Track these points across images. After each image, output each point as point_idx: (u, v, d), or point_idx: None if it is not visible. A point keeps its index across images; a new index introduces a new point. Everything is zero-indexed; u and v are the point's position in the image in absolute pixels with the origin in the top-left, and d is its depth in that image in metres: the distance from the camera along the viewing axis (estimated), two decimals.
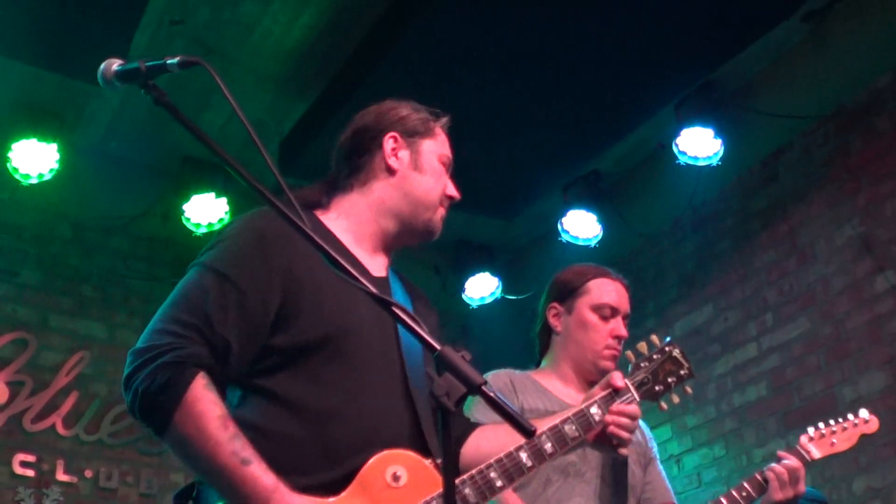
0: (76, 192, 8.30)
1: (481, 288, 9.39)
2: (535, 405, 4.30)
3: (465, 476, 3.05)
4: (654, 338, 3.62)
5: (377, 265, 3.35)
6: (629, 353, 3.54)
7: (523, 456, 3.16)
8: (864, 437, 4.71)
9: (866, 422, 4.72)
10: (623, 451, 3.42)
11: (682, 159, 7.94)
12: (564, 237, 8.66)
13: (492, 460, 3.11)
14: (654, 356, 3.57)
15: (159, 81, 2.80)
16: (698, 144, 7.91)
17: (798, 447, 4.50)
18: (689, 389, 3.58)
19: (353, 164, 3.45)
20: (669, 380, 3.54)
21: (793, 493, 4.32)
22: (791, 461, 4.38)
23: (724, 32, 7.12)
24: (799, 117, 7.88)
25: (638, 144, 8.53)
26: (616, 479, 4.36)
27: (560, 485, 4.24)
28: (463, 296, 9.34)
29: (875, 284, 7.41)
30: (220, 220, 8.18)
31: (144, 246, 8.82)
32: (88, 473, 8.22)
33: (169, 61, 2.77)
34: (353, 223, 3.35)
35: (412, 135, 3.45)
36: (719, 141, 7.88)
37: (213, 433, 2.80)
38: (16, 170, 7.77)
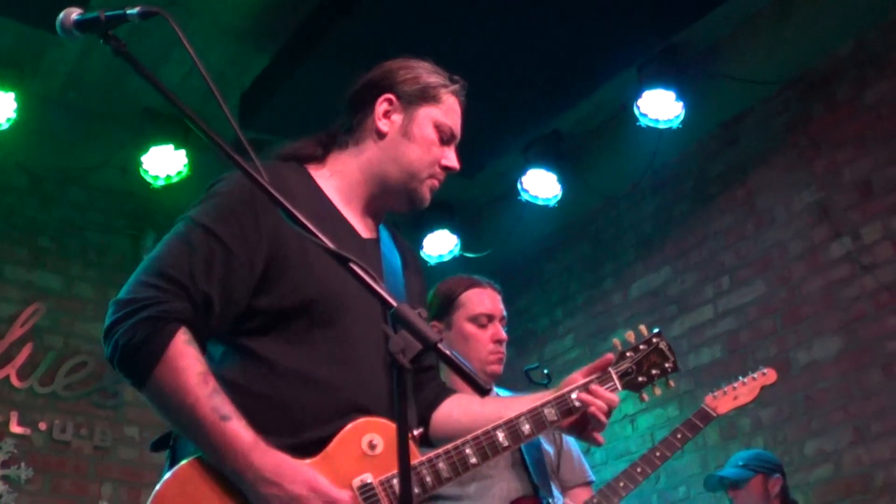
0: (34, 143, 8.22)
1: (439, 245, 9.38)
2: None
3: (440, 450, 3.05)
4: (643, 328, 3.57)
5: (367, 226, 3.34)
6: (616, 340, 3.51)
7: (500, 435, 3.15)
8: (765, 388, 4.95)
9: (765, 374, 4.96)
10: (599, 437, 3.38)
11: (642, 121, 7.94)
12: (524, 196, 8.66)
13: (468, 437, 3.10)
14: (641, 346, 3.51)
15: (119, 32, 2.78)
16: (659, 107, 7.91)
17: (704, 406, 4.78)
18: (672, 383, 3.56)
19: (351, 119, 3.40)
20: (653, 372, 3.49)
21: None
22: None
23: None
24: (761, 83, 7.90)
25: (600, 105, 8.53)
26: (526, 459, 4.46)
27: (477, 480, 4.32)
28: (421, 253, 9.33)
29: (831, 250, 7.46)
30: (179, 172, 8.13)
31: (102, 197, 8.75)
32: (42, 426, 8.18)
33: (129, 11, 2.75)
34: (344, 183, 3.32)
35: (411, 99, 3.37)
36: (680, 104, 7.89)
37: (193, 389, 2.81)
38: None
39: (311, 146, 3.41)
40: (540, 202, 8.71)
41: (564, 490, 4.64)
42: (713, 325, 8.22)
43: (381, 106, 3.37)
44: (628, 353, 3.51)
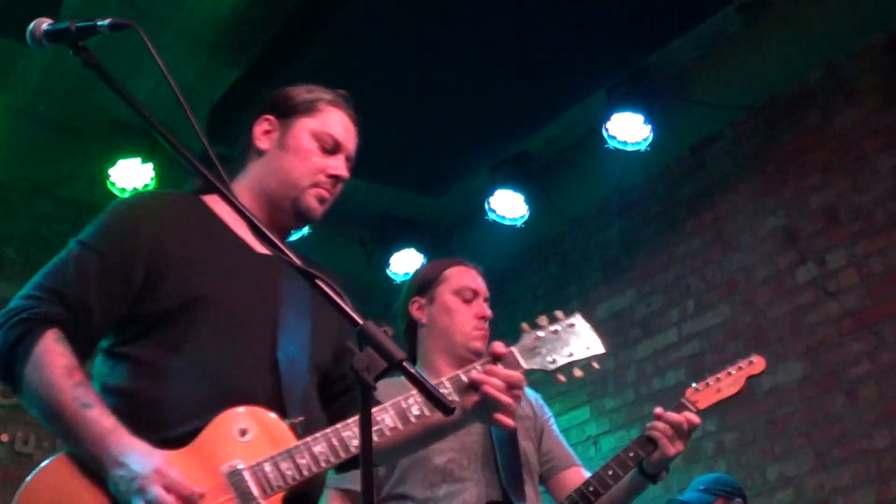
0: (1, 153, 8.18)
1: (406, 264, 9.38)
2: None
3: (317, 434, 3.01)
4: (559, 313, 3.51)
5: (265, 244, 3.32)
6: (524, 324, 3.43)
7: (387, 418, 3.11)
8: (751, 378, 4.62)
9: (752, 363, 4.62)
10: (505, 419, 3.21)
11: (611, 144, 7.96)
12: (491, 216, 8.67)
13: (349, 420, 3.05)
14: (554, 328, 3.44)
15: (89, 43, 2.78)
16: (628, 130, 7.93)
17: (683, 400, 4.46)
18: (595, 365, 3.46)
19: (240, 148, 3.47)
20: (569, 352, 3.41)
21: (683, 445, 4.34)
22: (672, 415, 4.35)
23: (660, 20, 7.14)
24: (729, 107, 7.93)
25: (568, 127, 8.54)
26: (505, 459, 4.35)
27: (447, 484, 4.22)
28: (388, 271, 9.34)
29: (797, 276, 7.49)
30: (146, 185, 8.10)
31: (69, 209, 8.73)
32: (5, 437, 8.14)
33: (100, 23, 2.75)
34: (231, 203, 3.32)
35: (287, 114, 3.40)
36: (649, 127, 7.91)
37: (57, 381, 2.85)
38: None
39: (205, 179, 3.44)
40: (507, 222, 8.72)
41: (554, 475, 4.56)
42: (678, 348, 8.24)
43: (259, 126, 3.42)
44: (538, 334, 3.43)
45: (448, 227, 9.84)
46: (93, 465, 2.82)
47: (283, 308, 3.22)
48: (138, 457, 2.78)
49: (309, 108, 3.43)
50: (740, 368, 4.59)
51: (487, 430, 4.38)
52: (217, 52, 7.77)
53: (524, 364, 3.35)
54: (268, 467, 2.91)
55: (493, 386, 3.18)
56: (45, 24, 2.82)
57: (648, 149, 7.98)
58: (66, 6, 6.77)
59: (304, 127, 3.38)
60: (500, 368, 3.24)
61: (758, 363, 4.62)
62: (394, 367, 2.44)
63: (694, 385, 4.54)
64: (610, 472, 4.28)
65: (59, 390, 2.84)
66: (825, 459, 7.02)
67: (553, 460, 4.57)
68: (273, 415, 3.00)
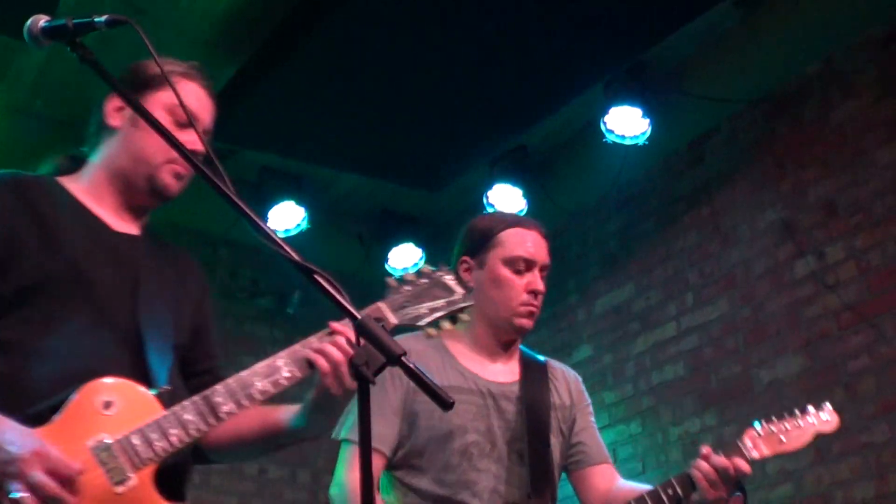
0: None
1: (404, 259, 9.37)
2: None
3: (185, 402, 2.96)
4: (425, 268, 3.38)
5: (124, 222, 3.30)
6: (390, 279, 3.29)
7: (257, 382, 3.02)
8: (819, 436, 4.19)
9: (826, 420, 4.20)
10: (333, 386, 3.02)
11: (609, 138, 7.95)
12: (489, 211, 8.65)
13: (218, 385, 2.99)
14: (421, 282, 3.30)
15: (87, 40, 2.78)
16: (626, 124, 7.92)
17: (738, 442, 4.04)
18: (465, 317, 3.33)
19: (93, 126, 3.41)
20: (436, 304, 3.27)
21: (726, 492, 3.99)
22: (719, 459, 3.99)
23: (657, 14, 7.13)
24: (727, 101, 7.92)
25: (566, 122, 8.53)
26: (532, 454, 4.06)
27: (465, 468, 3.96)
28: (386, 266, 9.33)
29: (795, 269, 7.49)
30: None
31: None
32: None
33: (97, 20, 2.76)
34: (91, 185, 3.30)
35: (139, 90, 3.26)
36: (647, 121, 7.90)
37: None
38: None
39: (64, 161, 3.44)
40: None
41: (582, 468, 4.25)
42: (676, 342, 8.24)
43: (110, 103, 3.34)
44: (404, 288, 3.29)
45: (446, 222, 9.81)
46: None
47: (142, 285, 3.18)
48: (14, 437, 2.73)
49: (161, 83, 3.24)
50: (812, 422, 4.16)
51: (522, 417, 4.09)
52: (213, 49, 7.75)
53: (392, 319, 3.20)
54: (136, 440, 2.85)
55: (320, 351, 3.05)
56: (42, 20, 2.83)
57: (646, 143, 7.97)
58: (63, 3, 6.76)
59: (157, 101, 3.26)
60: (340, 326, 3.08)
61: (832, 422, 4.21)
62: (392, 363, 2.44)
63: (757, 426, 4.10)
64: None
65: None
66: (824, 453, 7.02)
67: (583, 454, 4.29)
68: (138, 385, 2.95)
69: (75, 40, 2.79)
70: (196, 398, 2.96)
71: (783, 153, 7.75)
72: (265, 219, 8.24)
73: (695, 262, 8.25)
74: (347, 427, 3.99)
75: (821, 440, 6.93)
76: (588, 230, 9.26)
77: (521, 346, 4.32)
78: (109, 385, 2.91)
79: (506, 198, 8.66)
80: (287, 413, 3.19)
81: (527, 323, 4.13)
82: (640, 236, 8.78)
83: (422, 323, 3.26)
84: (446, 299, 3.33)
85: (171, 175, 3.26)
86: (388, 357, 2.41)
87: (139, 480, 2.84)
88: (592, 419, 4.40)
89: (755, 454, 4.00)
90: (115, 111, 3.32)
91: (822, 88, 7.59)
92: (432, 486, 3.96)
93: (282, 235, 6.86)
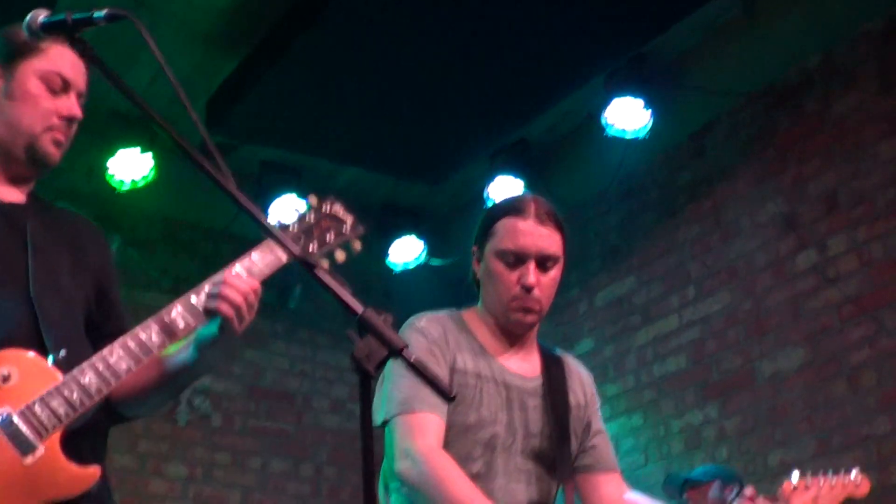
0: None
1: (405, 252, 9.36)
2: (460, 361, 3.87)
3: (82, 365, 2.92)
4: (312, 198, 3.31)
5: (11, 193, 3.28)
6: (277, 221, 3.20)
7: (153, 335, 2.98)
8: (850, 500, 4.25)
9: (857, 485, 4.28)
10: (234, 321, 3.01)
11: (610, 131, 7.94)
12: (490, 204, 8.64)
13: (115, 343, 2.96)
14: (308, 216, 3.25)
15: (86, 34, 2.78)
16: (627, 117, 7.91)
17: (778, 494, 4.09)
18: (357, 245, 3.26)
19: None
20: (328, 236, 3.23)
21: None
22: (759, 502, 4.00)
23: (658, 6, 7.12)
24: (728, 94, 7.92)
25: (567, 114, 8.53)
26: (552, 450, 3.94)
27: (485, 461, 3.81)
28: (387, 260, 9.33)
29: (797, 262, 7.49)
30: (144, 176, 8.08)
31: (67, 200, 8.66)
32: None
33: (96, 14, 2.75)
34: None
35: (9, 59, 3.23)
36: (648, 113, 7.89)
37: None
38: None
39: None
40: None
41: (590, 474, 4.07)
42: (678, 335, 8.24)
43: None
44: (293, 226, 3.23)
45: (447, 215, 9.82)
46: None
47: (33, 253, 3.15)
48: None
49: (32, 49, 3.19)
50: (844, 485, 4.24)
51: (544, 414, 3.96)
52: (214, 43, 7.75)
53: (284, 256, 3.12)
54: (38, 408, 2.83)
55: (232, 302, 3.00)
56: (41, 16, 2.82)
57: (647, 136, 7.96)
58: None
59: (30, 69, 3.21)
60: (231, 282, 3.02)
61: (863, 486, 4.30)
62: (393, 356, 2.44)
63: (793, 480, 4.16)
64: None
65: None
66: (826, 446, 7.03)
67: (595, 459, 4.11)
68: (33, 354, 2.94)
69: (75, 35, 2.78)
70: (94, 359, 2.93)
71: (784, 146, 7.75)
72: (266, 213, 8.24)
73: (696, 254, 8.24)
74: (396, 402, 3.76)
75: (823, 433, 6.97)
76: (589, 223, 9.26)
77: (540, 343, 4.14)
78: (4, 356, 2.89)
79: (506, 191, 8.65)
80: (181, 355, 3.15)
81: (521, 318, 3.90)
82: (641, 229, 8.78)
83: (315, 255, 3.20)
84: (337, 230, 3.29)
85: (51, 143, 3.24)
86: (390, 350, 2.41)
87: (46, 449, 2.83)
88: (602, 422, 4.26)
89: None
90: None
91: (823, 81, 7.59)
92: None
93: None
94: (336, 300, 2.51)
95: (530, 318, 3.91)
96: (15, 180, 3.29)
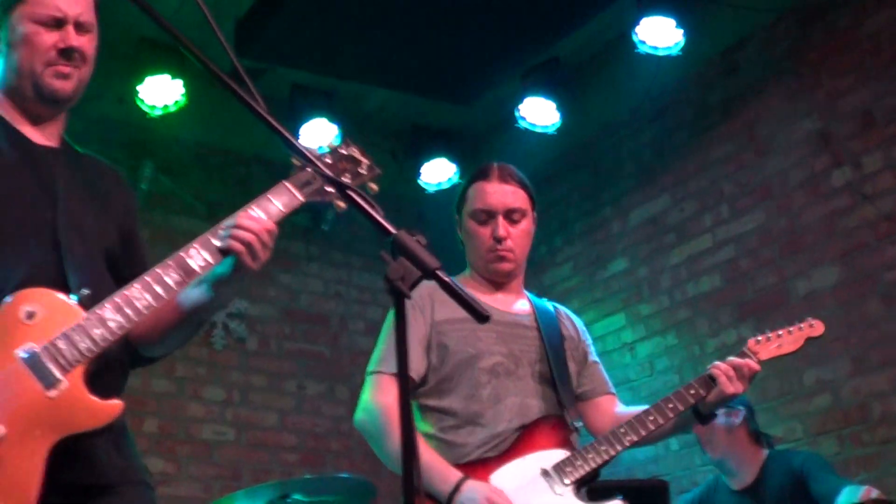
0: None
1: (438, 173, 9.35)
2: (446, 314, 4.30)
3: (105, 301, 3.03)
4: (331, 143, 3.47)
5: (45, 136, 3.39)
6: (294, 159, 3.23)
7: (173, 274, 3.08)
8: (809, 339, 4.76)
9: (812, 326, 4.80)
10: (247, 261, 3.14)
11: (641, 49, 7.86)
12: (522, 124, 8.60)
13: (135, 282, 3.06)
14: (327, 159, 3.34)
15: None
16: (659, 34, 7.83)
17: (745, 349, 4.54)
18: (374, 186, 3.39)
19: None
20: (344, 178, 3.31)
21: (742, 387, 4.37)
22: (734, 359, 4.42)
23: None
24: (761, 10, 7.84)
25: (598, 33, 8.46)
26: (554, 374, 4.37)
27: (494, 385, 4.24)
28: (419, 181, 9.32)
29: (831, 179, 7.44)
30: (176, 102, 8.06)
31: (99, 128, 8.66)
32: None
33: None
34: (5, 104, 3.38)
35: (5, 10, 3.34)
36: (680, 31, 7.80)
37: None
38: None
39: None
40: (538, 130, 8.65)
41: (589, 399, 4.54)
42: (712, 253, 8.22)
43: None
44: (308, 168, 3.22)
45: (479, 136, 9.79)
46: None
47: (62, 194, 3.24)
48: None
49: None
50: (800, 329, 4.76)
51: (540, 342, 4.42)
52: None
53: (300, 197, 3.26)
54: (61, 344, 2.92)
55: (237, 238, 3.12)
56: None
57: (680, 53, 7.89)
58: None
59: (22, 16, 3.31)
60: (243, 223, 3.14)
61: (817, 327, 4.80)
62: (427, 276, 2.44)
63: (756, 338, 4.62)
64: (670, 405, 4.34)
65: None
66: (861, 364, 7.02)
67: (591, 384, 4.57)
68: (57, 292, 3.02)
69: None
70: (115, 297, 3.02)
71: (818, 62, 7.67)
72: (297, 136, 8.22)
73: (730, 172, 8.20)
74: (375, 361, 4.31)
75: (858, 351, 6.94)
76: (621, 142, 9.22)
77: (529, 294, 4.62)
78: (31, 295, 2.98)
79: (538, 110, 8.61)
80: (194, 292, 3.24)
81: (500, 266, 4.43)
82: (674, 147, 8.73)
83: (328, 198, 3.30)
84: (353, 171, 3.42)
85: (54, 77, 3.31)
86: (423, 271, 2.41)
87: (70, 382, 2.92)
88: (596, 354, 4.70)
89: (760, 357, 4.54)
90: None
91: None
92: (463, 403, 4.23)
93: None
94: (370, 222, 2.51)
95: (506, 266, 4.43)
96: (38, 120, 3.38)
